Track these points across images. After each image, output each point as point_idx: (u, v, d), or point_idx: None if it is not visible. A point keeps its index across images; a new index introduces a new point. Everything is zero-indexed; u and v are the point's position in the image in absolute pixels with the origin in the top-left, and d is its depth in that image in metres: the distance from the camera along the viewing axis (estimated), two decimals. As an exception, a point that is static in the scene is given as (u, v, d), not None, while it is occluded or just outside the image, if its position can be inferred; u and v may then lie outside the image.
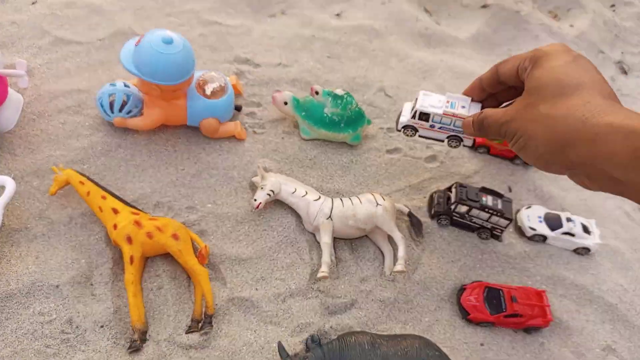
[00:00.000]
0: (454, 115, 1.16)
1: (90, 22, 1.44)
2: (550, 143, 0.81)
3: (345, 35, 1.60)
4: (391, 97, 1.48)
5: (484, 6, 1.85)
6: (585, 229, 1.30)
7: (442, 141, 1.25)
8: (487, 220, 1.23)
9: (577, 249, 1.29)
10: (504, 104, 1.07)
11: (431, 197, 1.30)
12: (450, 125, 1.20)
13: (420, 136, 1.25)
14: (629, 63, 1.99)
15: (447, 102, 1.18)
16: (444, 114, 1.17)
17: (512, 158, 1.43)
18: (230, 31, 1.52)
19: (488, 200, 1.23)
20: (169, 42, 1.09)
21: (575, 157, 0.78)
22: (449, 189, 1.27)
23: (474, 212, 1.23)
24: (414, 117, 1.22)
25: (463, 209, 1.23)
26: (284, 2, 1.67)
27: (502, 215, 1.21)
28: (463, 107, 1.16)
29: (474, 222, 1.25)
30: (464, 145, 1.25)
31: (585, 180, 0.82)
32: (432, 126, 1.21)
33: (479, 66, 1.68)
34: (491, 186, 1.36)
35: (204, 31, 1.50)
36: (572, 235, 1.27)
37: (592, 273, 1.28)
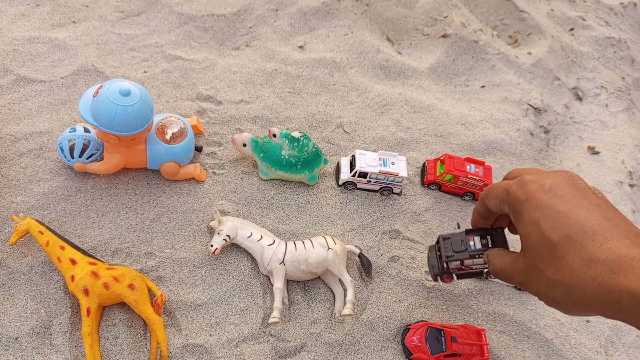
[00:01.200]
0: (387, 173, 1.35)
1: (52, 59, 1.43)
2: (576, 307, 0.74)
3: (307, 68, 1.62)
4: (349, 134, 1.51)
5: (444, 35, 1.88)
6: (527, 267, 1.35)
7: (376, 191, 1.42)
8: (485, 264, 1.03)
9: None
10: None
11: (428, 254, 1.17)
12: (384, 180, 1.37)
13: (357, 188, 1.42)
14: (584, 89, 2.05)
15: (380, 159, 1.37)
16: (379, 172, 1.35)
17: (461, 195, 1.48)
18: (194, 66, 1.53)
19: (475, 242, 1.04)
20: (126, 94, 1.10)
21: (604, 313, 0.71)
22: (438, 243, 1.10)
23: (467, 262, 1.05)
24: (354, 175, 1.36)
25: (454, 264, 1.06)
26: (248, 34, 1.68)
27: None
28: (393, 163, 1.37)
29: (476, 270, 1.08)
30: (393, 193, 1.42)
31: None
32: (368, 181, 1.38)
33: (436, 98, 1.72)
34: (441, 222, 1.42)
35: (168, 66, 1.51)
36: (514, 273, 1.33)
37: (531, 309, 1.34)
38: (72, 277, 1.05)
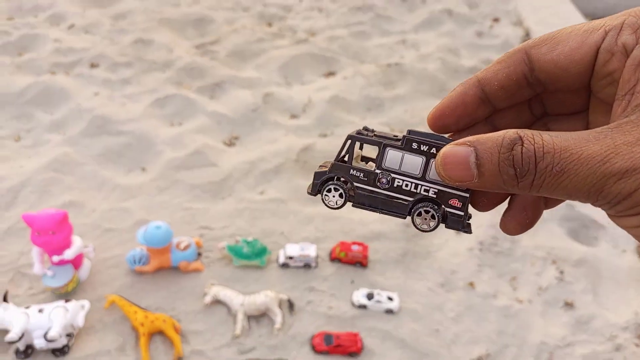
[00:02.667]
0: (304, 255, 2.42)
1: (123, 217, 2.67)
2: None
3: (264, 204, 2.81)
4: (287, 237, 2.63)
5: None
6: (390, 299, 2.34)
7: (301, 267, 2.44)
8: (423, 178, 0.56)
9: (386, 310, 2.33)
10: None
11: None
12: (304, 260, 2.39)
13: (289, 266, 2.43)
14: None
15: (300, 247, 2.38)
16: (299, 255, 2.37)
17: (353, 264, 2.52)
18: (198, 212, 2.74)
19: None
20: (158, 227, 2.29)
21: None
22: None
23: (392, 157, 0.63)
24: (286, 258, 2.41)
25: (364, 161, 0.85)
26: (230, 189, 2.92)
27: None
28: (308, 249, 2.38)
29: (399, 189, 0.65)
30: (311, 267, 2.43)
31: None
32: (295, 261, 2.42)
33: (347, 212, 2.84)
34: (340, 282, 2.44)
35: (183, 214, 2.72)
36: (380, 302, 2.32)
37: (394, 323, 2.30)
38: (135, 319, 2.14)
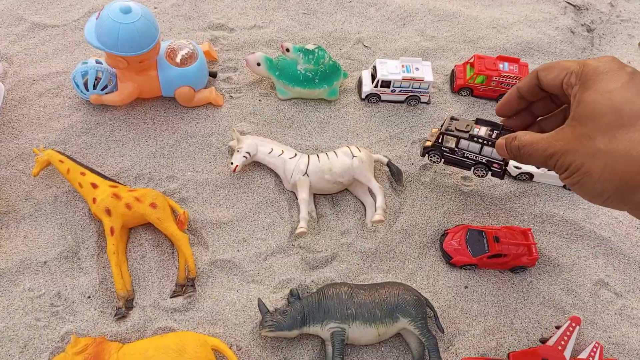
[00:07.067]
0: (412, 79, 1.32)
1: (64, 4, 1.44)
2: (610, 182, 0.71)
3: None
4: (370, 48, 1.44)
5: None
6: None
7: (403, 102, 1.40)
8: (479, 153, 1.09)
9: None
10: (540, 118, 1.01)
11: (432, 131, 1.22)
12: (409, 87, 1.34)
13: (382, 100, 1.39)
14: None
15: (403, 66, 1.34)
16: (403, 79, 1.32)
17: (496, 98, 1.37)
18: (204, -2, 1.49)
19: (480, 130, 1.06)
20: (127, 11, 1.08)
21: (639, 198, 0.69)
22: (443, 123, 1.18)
23: (463, 143, 1.07)
24: (376, 85, 1.34)
25: (451, 141, 1.09)
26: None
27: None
28: (417, 69, 1.33)
29: (467, 157, 1.11)
30: (421, 102, 1.33)
31: None
32: (392, 91, 1.34)
33: (463, 5, 1.60)
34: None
35: (178, 0, 1.46)
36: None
37: (584, 207, 1.24)
38: (94, 200, 1.05)
